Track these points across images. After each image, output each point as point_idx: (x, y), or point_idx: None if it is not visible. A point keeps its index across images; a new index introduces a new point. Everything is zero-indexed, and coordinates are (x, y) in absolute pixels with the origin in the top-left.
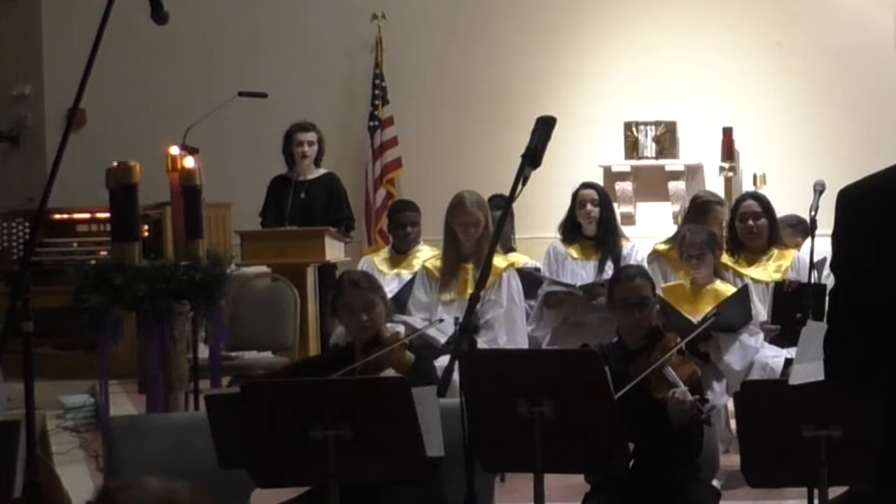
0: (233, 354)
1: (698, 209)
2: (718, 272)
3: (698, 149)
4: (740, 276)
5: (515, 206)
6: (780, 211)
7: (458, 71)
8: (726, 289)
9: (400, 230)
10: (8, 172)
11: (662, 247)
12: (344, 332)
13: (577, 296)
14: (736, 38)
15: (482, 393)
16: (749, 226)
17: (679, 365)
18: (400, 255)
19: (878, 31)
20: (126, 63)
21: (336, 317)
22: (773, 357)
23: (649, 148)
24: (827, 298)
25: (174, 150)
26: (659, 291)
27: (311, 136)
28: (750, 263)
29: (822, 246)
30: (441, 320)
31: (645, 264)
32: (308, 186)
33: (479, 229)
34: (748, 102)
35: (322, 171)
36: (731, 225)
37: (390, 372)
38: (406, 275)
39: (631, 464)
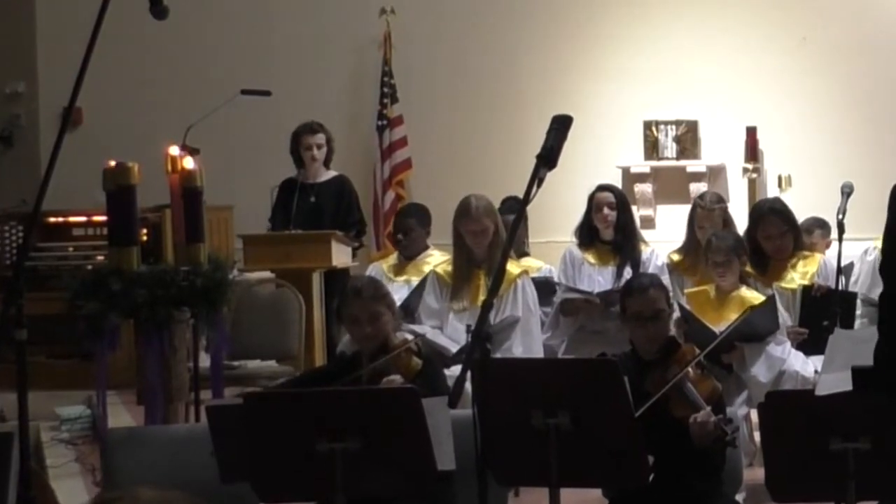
0: (235, 363)
1: (691, 209)
2: (744, 278)
3: (721, 149)
4: (765, 283)
5: (530, 209)
6: (806, 213)
7: (471, 68)
8: (752, 296)
9: (395, 235)
10: (0, 173)
11: (676, 256)
12: (351, 340)
13: (594, 303)
14: (760, 35)
15: (495, 404)
16: (776, 244)
17: (699, 381)
18: (408, 260)
19: None
20: (124, 60)
21: (342, 325)
22: (803, 366)
23: (670, 148)
24: (857, 304)
25: (174, 150)
26: (682, 299)
27: (320, 138)
28: (776, 271)
29: (850, 250)
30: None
31: (665, 270)
32: (317, 190)
33: (488, 236)
34: (773, 101)
35: (332, 173)
36: (751, 236)
37: (396, 378)
38: (416, 282)
39: (650, 477)
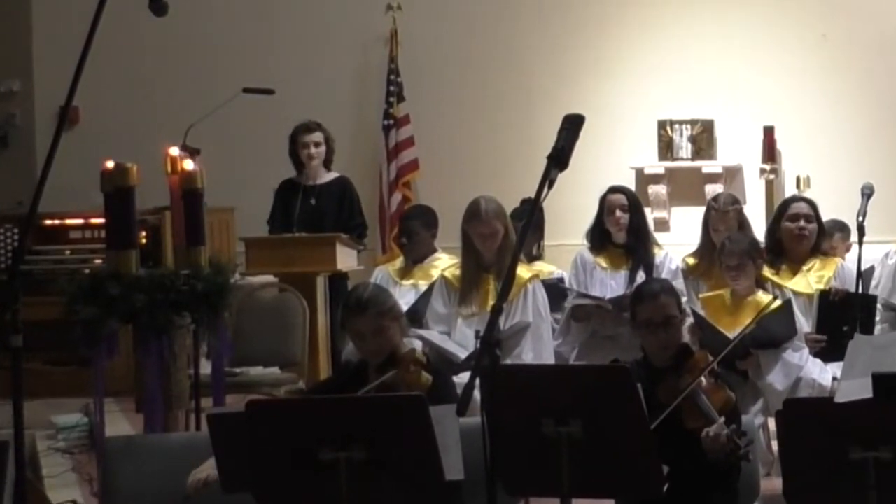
0: (237, 370)
1: (705, 211)
2: (761, 283)
3: (737, 149)
4: (780, 288)
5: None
6: (826, 216)
7: (480, 65)
8: (769, 300)
9: (400, 239)
10: None
11: (691, 260)
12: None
13: (606, 309)
14: (778, 31)
15: (505, 412)
16: (801, 226)
17: (712, 391)
18: (415, 264)
19: None
20: (122, 57)
21: (346, 334)
22: (821, 373)
23: (685, 148)
24: (879, 309)
25: (174, 150)
26: (698, 304)
27: (318, 136)
28: (791, 274)
29: (870, 254)
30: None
31: (679, 274)
32: (318, 192)
33: (498, 239)
34: (791, 100)
35: (333, 174)
36: (771, 230)
37: None
38: (423, 286)
39: (665, 488)
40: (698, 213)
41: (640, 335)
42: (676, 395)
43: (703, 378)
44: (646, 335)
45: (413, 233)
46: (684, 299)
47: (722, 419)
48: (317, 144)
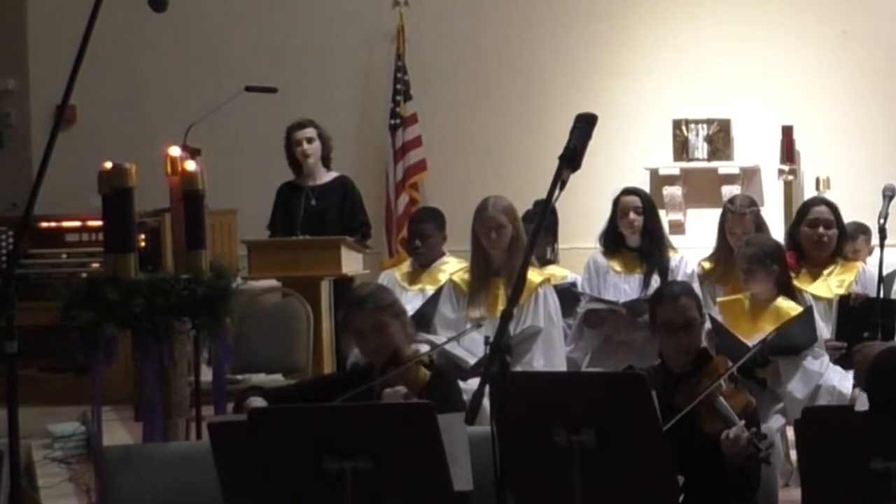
0: (239, 377)
1: (721, 214)
2: (789, 287)
3: (755, 149)
4: (800, 292)
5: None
6: (846, 218)
7: (490, 63)
8: (790, 306)
9: (410, 242)
10: None
11: (707, 264)
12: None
13: (620, 314)
14: (796, 28)
15: (515, 420)
16: (820, 233)
17: (732, 394)
18: (423, 268)
19: None
20: (121, 55)
21: (350, 336)
22: (841, 381)
23: (700, 149)
24: None
25: (174, 151)
26: (713, 309)
27: (310, 131)
28: (811, 279)
29: (892, 257)
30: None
31: (695, 278)
32: (319, 192)
33: (504, 236)
34: (810, 98)
35: (333, 174)
36: (791, 233)
37: (400, 388)
38: (431, 291)
39: (680, 499)
40: (714, 215)
41: (659, 338)
42: (695, 400)
43: (722, 382)
44: (665, 338)
45: (427, 235)
46: None
47: (742, 422)
48: (309, 140)
